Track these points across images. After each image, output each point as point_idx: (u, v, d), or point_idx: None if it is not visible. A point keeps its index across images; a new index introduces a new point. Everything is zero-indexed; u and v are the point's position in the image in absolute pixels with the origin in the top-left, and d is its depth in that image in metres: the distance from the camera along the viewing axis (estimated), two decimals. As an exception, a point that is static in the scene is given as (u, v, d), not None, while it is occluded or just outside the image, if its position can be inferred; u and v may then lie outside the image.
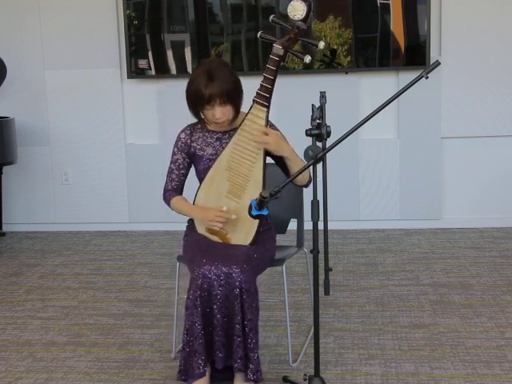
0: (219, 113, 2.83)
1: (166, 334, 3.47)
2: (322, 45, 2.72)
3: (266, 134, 2.79)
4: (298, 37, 2.76)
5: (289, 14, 2.72)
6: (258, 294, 2.78)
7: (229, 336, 2.74)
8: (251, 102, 2.84)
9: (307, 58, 2.71)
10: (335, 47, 5.13)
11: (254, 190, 2.82)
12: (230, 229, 2.88)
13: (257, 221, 2.83)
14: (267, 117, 2.81)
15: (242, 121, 2.86)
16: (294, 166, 2.82)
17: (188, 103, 2.90)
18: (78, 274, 4.56)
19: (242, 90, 2.89)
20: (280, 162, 2.89)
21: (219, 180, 2.88)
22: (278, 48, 2.74)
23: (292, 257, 3.24)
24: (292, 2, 2.71)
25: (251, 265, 2.76)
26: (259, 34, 2.82)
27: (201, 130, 2.99)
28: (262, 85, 2.77)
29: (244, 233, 2.88)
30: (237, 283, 2.69)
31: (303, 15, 2.70)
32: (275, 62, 2.74)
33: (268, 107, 2.79)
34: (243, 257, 2.76)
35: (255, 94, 2.80)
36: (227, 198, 2.87)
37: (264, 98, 2.77)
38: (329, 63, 5.19)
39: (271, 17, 2.80)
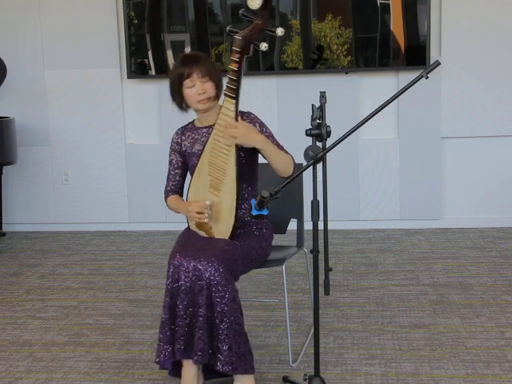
0: (201, 88, 2.89)
1: (165, 334, 3.47)
2: (280, 31, 2.73)
3: (235, 128, 2.79)
4: (262, 26, 2.77)
5: (248, 5, 2.73)
6: (232, 286, 2.75)
7: (190, 328, 2.75)
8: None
9: (263, 45, 2.72)
10: (335, 47, 5.13)
11: (229, 183, 2.85)
12: (214, 223, 2.92)
13: (233, 214, 2.86)
14: (237, 108, 2.82)
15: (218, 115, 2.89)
16: (270, 156, 2.83)
17: (171, 91, 3.00)
18: (78, 273, 4.56)
19: (218, 72, 2.98)
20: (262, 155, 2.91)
21: (203, 175, 2.93)
22: (238, 39, 2.76)
23: (292, 257, 3.24)
24: None
25: (222, 258, 2.76)
26: (227, 28, 2.84)
27: (190, 129, 3.07)
28: (228, 77, 2.79)
29: (224, 226, 2.91)
30: (203, 275, 2.70)
31: (260, 4, 2.71)
32: (237, 53, 2.76)
33: (236, 99, 2.80)
34: (216, 250, 2.78)
35: (225, 88, 2.83)
36: (209, 192, 2.91)
37: (231, 90, 2.79)
38: (317, 60, 5.18)
39: (240, 10, 2.81)
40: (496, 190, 5.33)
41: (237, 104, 2.81)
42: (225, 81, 2.83)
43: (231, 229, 2.90)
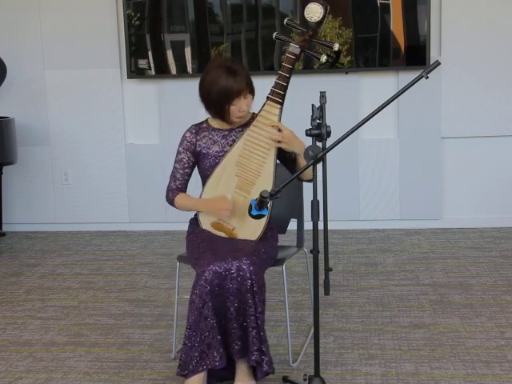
0: (245, 105, 2.91)
1: (165, 334, 3.47)
2: (336, 47, 2.79)
3: (280, 130, 2.85)
4: (313, 38, 2.85)
5: (305, 16, 2.81)
6: (265, 287, 2.79)
7: (243, 328, 2.75)
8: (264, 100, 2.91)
9: (323, 58, 2.80)
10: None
11: (264, 186, 2.85)
12: (238, 224, 2.91)
13: (265, 216, 2.85)
14: (281, 114, 2.88)
15: (255, 117, 2.92)
16: (303, 163, 2.85)
17: (210, 101, 2.91)
18: (78, 273, 4.56)
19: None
20: (285, 158, 2.93)
21: (228, 176, 2.91)
22: (294, 47, 2.84)
23: (292, 257, 3.24)
24: (309, 4, 2.79)
25: (259, 258, 2.79)
26: (274, 34, 2.93)
27: (206, 129, 3.03)
28: (276, 82, 2.86)
29: (251, 228, 2.90)
30: (247, 275, 2.70)
31: (320, 17, 2.79)
32: (291, 60, 2.84)
33: (282, 104, 2.87)
34: (251, 250, 2.79)
35: (269, 92, 2.87)
36: (235, 193, 2.90)
37: (278, 95, 2.86)
38: (333, 63, 5.19)
39: (286, 20, 2.90)
40: (496, 190, 5.33)
41: (281, 109, 2.87)
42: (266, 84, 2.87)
43: (260, 231, 2.90)
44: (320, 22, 2.80)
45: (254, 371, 2.82)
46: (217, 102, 2.89)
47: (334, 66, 5.20)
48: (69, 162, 5.61)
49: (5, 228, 5.52)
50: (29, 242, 5.39)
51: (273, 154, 2.87)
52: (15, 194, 5.70)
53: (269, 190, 2.80)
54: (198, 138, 3.01)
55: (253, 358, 2.74)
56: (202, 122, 3.06)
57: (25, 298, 4.12)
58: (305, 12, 2.80)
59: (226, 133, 3.00)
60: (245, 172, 2.89)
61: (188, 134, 3.04)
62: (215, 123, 3.03)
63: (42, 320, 3.75)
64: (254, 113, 3.00)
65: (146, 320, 3.70)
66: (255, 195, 2.83)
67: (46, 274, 4.58)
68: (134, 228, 5.60)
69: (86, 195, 5.63)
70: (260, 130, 2.87)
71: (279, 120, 2.88)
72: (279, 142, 2.85)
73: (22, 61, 5.48)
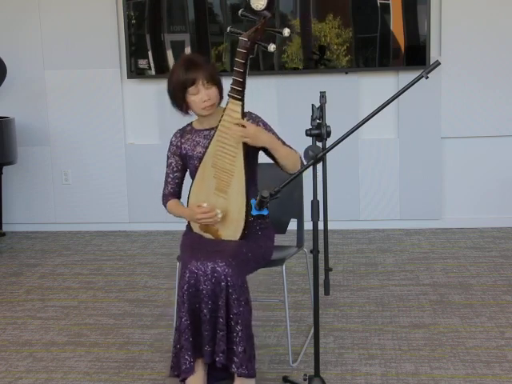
0: (205, 95, 2.87)
1: (165, 334, 3.47)
2: (286, 31, 2.69)
3: (244, 127, 2.78)
4: (265, 27, 2.73)
5: (251, 5, 2.70)
6: (246, 288, 2.77)
7: (214, 331, 2.74)
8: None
9: (271, 47, 2.70)
10: (335, 47, 5.13)
11: (237, 185, 2.84)
12: (220, 225, 2.91)
13: (243, 215, 2.84)
14: (243, 110, 2.81)
15: (222, 117, 2.87)
16: (278, 155, 2.83)
17: (172, 96, 2.98)
18: (78, 273, 4.56)
19: (220, 76, 2.95)
20: (266, 152, 2.90)
21: (207, 178, 2.90)
22: (243, 40, 2.73)
23: (292, 257, 3.24)
24: None
25: (238, 259, 2.77)
26: (228, 29, 2.83)
27: (189, 132, 3.04)
28: (233, 79, 2.78)
29: (232, 228, 2.89)
30: (222, 277, 2.69)
31: (265, 5, 2.68)
32: (243, 54, 2.74)
33: (242, 100, 2.79)
34: (230, 251, 2.78)
35: (229, 90, 2.81)
36: (215, 194, 2.89)
37: (236, 91, 2.78)
38: (319, 60, 5.18)
39: (240, 11, 2.78)
40: (496, 190, 5.33)
41: (243, 105, 2.79)
42: (229, 82, 2.81)
43: (241, 230, 2.88)
44: (268, 9, 2.67)
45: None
46: (175, 93, 2.95)
47: (320, 62, 5.17)
48: (69, 162, 5.61)
49: (5, 228, 5.52)
50: (29, 242, 5.39)
51: (241, 151, 2.82)
52: (15, 194, 5.70)
53: (243, 188, 2.81)
54: (183, 140, 3.02)
55: (217, 359, 2.72)
56: (186, 125, 3.07)
57: (25, 298, 4.12)
58: (250, 2, 2.68)
59: (207, 132, 2.98)
60: (220, 173, 2.86)
61: (173, 139, 3.06)
62: (197, 124, 3.03)
63: (42, 320, 3.75)
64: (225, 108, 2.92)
65: (146, 320, 3.70)
66: (232, 195, 2.84)
67: (46, 273, 4.58)
68: (133, 228, 5.60)
69: (86, 195, 5.63)
70: (227, 129, 2.82)
71: (242, 116, 2.80)
72: (244, 137, 2.78)
73: (22, 61, 5.48)
